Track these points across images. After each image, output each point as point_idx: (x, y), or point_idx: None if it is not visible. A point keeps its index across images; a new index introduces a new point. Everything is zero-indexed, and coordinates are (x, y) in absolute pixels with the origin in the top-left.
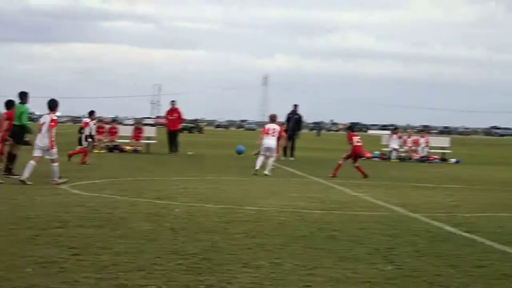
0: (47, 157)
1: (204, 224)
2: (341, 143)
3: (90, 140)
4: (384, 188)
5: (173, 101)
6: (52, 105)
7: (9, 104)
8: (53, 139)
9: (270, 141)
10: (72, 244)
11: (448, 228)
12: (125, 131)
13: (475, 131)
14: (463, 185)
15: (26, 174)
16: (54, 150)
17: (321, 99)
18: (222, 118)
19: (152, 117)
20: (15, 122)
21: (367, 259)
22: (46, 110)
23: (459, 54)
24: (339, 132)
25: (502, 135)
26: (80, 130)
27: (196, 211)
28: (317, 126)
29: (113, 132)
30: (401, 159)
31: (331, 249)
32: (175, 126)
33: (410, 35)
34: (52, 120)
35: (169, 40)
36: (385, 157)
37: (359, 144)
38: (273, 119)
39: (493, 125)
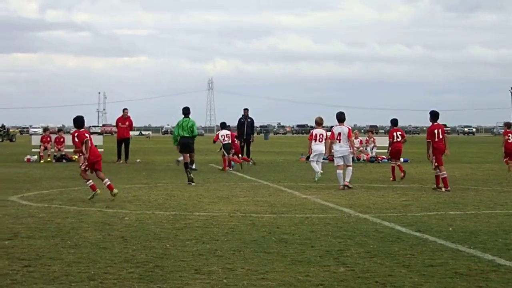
0: None
1: (155, 232)
2: (289, 145)
3: None
4: (334, 189)
5: (125, 109)
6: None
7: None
8: None
9: (319, 147)
10: (23, 255)
11: (399, 227)
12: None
13: (423, 130)
14: (414, 184)
15: None
16: None
17: (265, 101)
18: (169, 124)
19: (99, 125)
20: (185, 134)
21: (318, 261)
22: None
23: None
24: (286, 135)
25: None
26: None
27: (147, 219)
28: (265, 129)
29: (60, 142)
30: None
31: (282, 252)
32: (126, 135)
33: (347, 35)
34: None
35: (108, 47)
36: (333, 158)
37: None
38: (319, 123)
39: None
